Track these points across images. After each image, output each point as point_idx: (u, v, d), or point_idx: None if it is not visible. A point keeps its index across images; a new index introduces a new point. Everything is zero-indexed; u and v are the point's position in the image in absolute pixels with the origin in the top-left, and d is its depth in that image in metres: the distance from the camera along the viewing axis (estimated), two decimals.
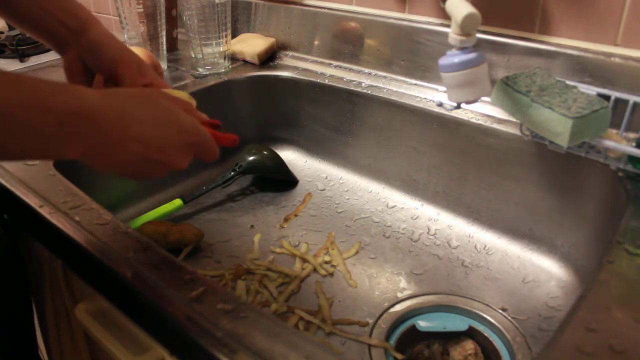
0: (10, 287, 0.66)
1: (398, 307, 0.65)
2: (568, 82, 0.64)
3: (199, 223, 0.80)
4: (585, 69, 0.67)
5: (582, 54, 0.67)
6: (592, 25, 0.67)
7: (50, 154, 0.43)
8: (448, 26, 0.65)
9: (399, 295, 0.67)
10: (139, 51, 0.79)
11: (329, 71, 0.91)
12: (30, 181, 0.60)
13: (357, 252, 0.74)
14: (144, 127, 0.46)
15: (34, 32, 0.59)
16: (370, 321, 0.63)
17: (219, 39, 0.93)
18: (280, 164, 0.89)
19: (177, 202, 0.80)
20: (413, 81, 0.83)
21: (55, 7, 0.58)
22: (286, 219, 0.81)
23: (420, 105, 0.78)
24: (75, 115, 0.41)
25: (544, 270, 0.70)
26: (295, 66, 0.95)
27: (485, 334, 0.62)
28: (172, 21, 1.05)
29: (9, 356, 0.67)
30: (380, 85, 0.84)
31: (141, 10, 0.92)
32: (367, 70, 0.89)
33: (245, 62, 0.99)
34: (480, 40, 0.72)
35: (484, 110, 0.74)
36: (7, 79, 0.38)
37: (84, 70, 0.60)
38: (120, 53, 0.59)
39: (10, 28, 1.28)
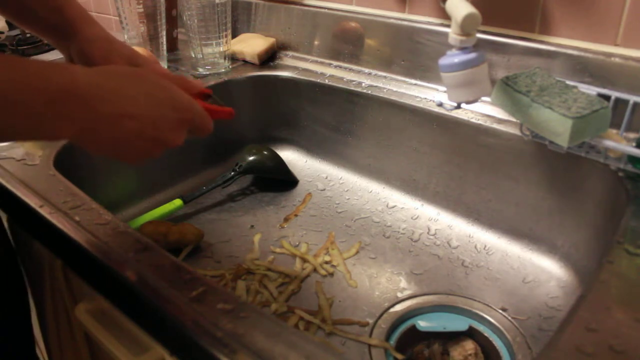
0: (8, 286, 0.66)
1: (398, 307, 0.65)
2: (568, 82, 0.64)
3: (199, 223, 0.80)
4: (585, 69, 0.67)
5: (582, 54, 0.67)
6: (592, 25, 0.67)
7: (42, 135, 0.42)
8: (448, 26, 0.65)
9: (399, 295, 0.67)
10: (139, 51, 0.79)
11: (329, 71, 0.91)
12: (30, 181, 0.60)
13: (357, 252, 0.74)
14: (137, 104, 0.45)
15: (32, 30, 0.59)
16: (371, 321, 0.63)
17: (219, 39, 0.93)
18: (280, 164, 0.89)
19: (177, 202, 0.80)
20: (413, 81, 0.83)
21: (40, 6, 0.57)
22: (286, 219, 0.81)
23: (421, 105, 0.78)
24: (66, 93, 0.40)
25: (544, 270, 0.70)
26: (295, 66, 0.95)
27: (485, 334, 0.62)
28: (172, 21, 1.05)
29: (7, 356, 0.67)
30: (380, 85, 0.84)
31: (141, 10, 0.92)
32: (367, 70, 0.89)
33: (245, 62, 0.99)
34: (480, 40, 0.72)
35: (484, 110, 0.74)
36: (2, 58, 0.38)
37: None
38: (109, 53, 0.58)
39: (11, 28, 1.28)
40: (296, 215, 0.82)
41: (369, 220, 0.81)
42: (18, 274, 0.67)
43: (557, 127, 0.58)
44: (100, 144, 0.45)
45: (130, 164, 0.49)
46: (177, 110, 0.48)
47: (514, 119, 0.68)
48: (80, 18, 0.58)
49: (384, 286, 0.68)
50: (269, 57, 0.98)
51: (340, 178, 0.91)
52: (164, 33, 0.97)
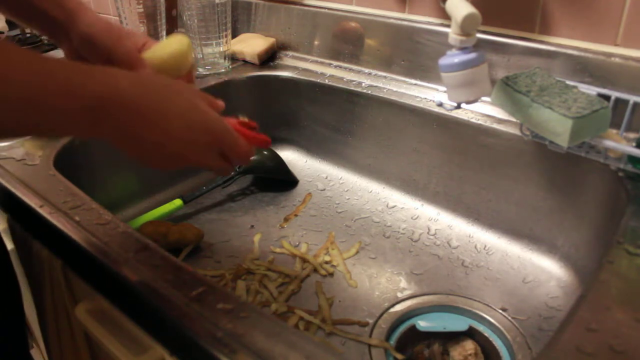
0: (1, 287, 0.66)
1: (398, 307, 0.65)
2: (568, 82, 0.64)
3: (199, 223, 0.80)
4: (585, 69, 0.67)
5: (582, 54, 0.67)
6: (592, 25, 0.67)
7: (70, 134, 0.45)
8: (448, 26, 0.65)
9: (399, 295, 0.67)
10: None
11: (329, 71, 0.91)
12: (30, 181, 0.60)
13: (357, 252, 0.74)
14: (172, 121, 0.46)
15: (27, 24, 0.59)
16: (370, 321, 0.63)
17: (219, 39, 0.93)
18: (280, 164, 0.89)
19: (177, 202, 0.80)
20: (413, 81, 0.83)
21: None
22: (286, 219, 0.81)
23: (421, 105, 0.78)
24: (104, 101, 0.41)
25: (544, 270, 0.70)
26: (295, 66, 0.95)
27: (485, 334, 0.62)
28: (172, 21, 1.05)
29: (2, 357, 0.66)
30: (380, 85, 0.84)
31: (141, 10, 0.92)
32: (367, 70, 0.89)
33: (245, 62, 0.99)
34: (480, 40, 0.72)
35: (484, 110, 0.74)
36: (38, 62, 0.38)
37: (82, 60, 0.59)
38: (115, 40, 0.58)
39: (11, 28, 1.28)
40: (296, 215, 0.82)
41: (369, 220, 0.81)
42: (11, 274, 0.67)
43: (557, 127, 0.58)
44: (127, 148, 0.46)
45: (153, 168, 0.50)
46: (209, 133, 0.49)
47: (514, 119, 0.68)
48: (78, 6, 0.58)
49: (384, 286, 0.68)
50: (269, 57, 0.98)
51: (340, 178, 0.91)
52: (164, 33, 0.97)
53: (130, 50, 0.58)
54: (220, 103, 0.55)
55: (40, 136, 0.52)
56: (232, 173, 0.86)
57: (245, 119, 0.57)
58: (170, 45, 0.59)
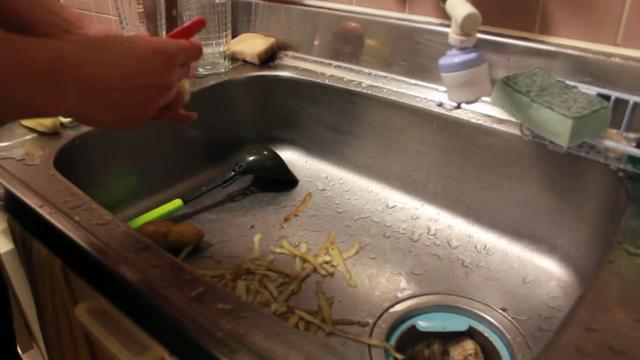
0: None
1: (398, 307, 0.65)
2: (568, 82, 0.64)
3: (199, 223, 0.80)
4: (585, 69, 0.67)
5: (582, 54, 0.67)
6: (592, 25, 0.67)
7: (40, 108, 0.43)
8: (448, 26, 0.65)
9: (399, 295, 0.67)
10: None
11: (329, 71, 0.91)
12: (30, 181, 0.60)
13: (357, 252, 0.74)
14: (123, 60, 0.46)
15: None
16: (370, 321, 0.63)
17: (219, 39, 0.93)
18: (280, 164, 0.89)
19: (177, 202, 0.80)
20: (413, 81, 0.83)
21: (39, 7, 0.58)
22: (286, 219, 0.81)
23: (420, 105, 0.78)
24: (56, 64, 0.41)
25: (544, 270, 0.70)
26: (295, 66, 0.95)
27: (485, 334, 0.62)
28: (172, 21, 1.05)
29: None
30: (380, 85, 0.84)
31: (141, 10, 0.92)
32: (367, 70, 0.89)
33: (245, 62, 0.99)
34: (480, 40, 0.72)
35: (484, 110, 0.74)
36: None
37: None
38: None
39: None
40: (296, 215, 0.82)
41: (369, 220, 0.81)
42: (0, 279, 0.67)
43: (557, 127, 0.58)
44: (101, 111, 0.46)
45: (137, 126, 0.49)
46: (157, 53, 0.48)
47: (514, 119, 0.68)
48: (60, 30, 0.59)
49: (384, 286, 0.68)
50: (269, 57, 0.98)
51: (340, 178, 0.91)
52: (164, 33, 0.97)
53: None
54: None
55: (15, 115, 0.51)
56: (232, 173, 0.86)
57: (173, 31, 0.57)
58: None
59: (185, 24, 0.55)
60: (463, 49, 0.61)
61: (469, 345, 0.61)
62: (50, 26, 0.59)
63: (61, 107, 0.43)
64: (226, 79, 0.93)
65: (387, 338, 0.61)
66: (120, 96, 0.46)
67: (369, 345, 0.59)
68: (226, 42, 0.95)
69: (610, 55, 0.65)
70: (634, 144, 0.60)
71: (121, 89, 0.46)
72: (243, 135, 0.97)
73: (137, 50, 0.47)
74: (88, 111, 0.45)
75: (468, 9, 0.59)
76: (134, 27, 0.93)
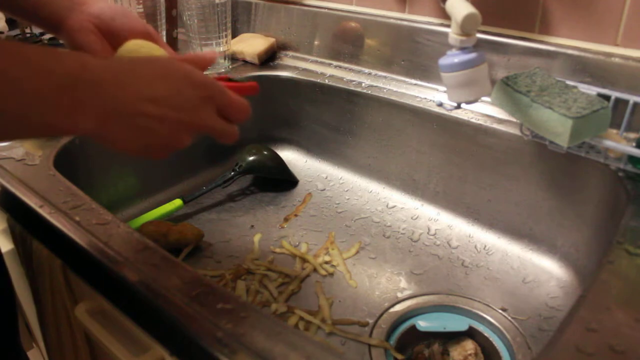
0: None
1: (398, 307, 0.65)
2: (568, 82, 0.64)
3: (199, 223, 0.80)
4: (585, 69, 0.67)
5: (582, 54, 0.67)
6: (592, 25, 0.67)
7: (58, 126, 0.40)
8: (448, 26, 0.65)
9: (399, 295, 0.67)
10: None
11: (329, 71, 0.91)
12: (30, 181, 0.60)
13: (357, 252, 0.74)
14: (154, 85, 0.43)
15: (26, 21, 0.58)
16: (370, 321, 0.63)
17: (219, 39, 0.93)
18: (280, 164, 0.89)
19: (177, 202, 0.80)
20: (413, 81, 0.83)
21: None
22: (286, 219, 0.81)
23: (421, 105, 0.78)
24: (77, 78, 0.39)
25: (544, 270, 0.70)
26: (295, 66, 0.95)
27: (485, 334, 0.62)
28: (172, 21, 1.05)
29: None
30: (380, 85, 0.84)
31: (141, 10, 0.92)
32: (367, 70, 0.89)
33: (245, 62, 0.99)
34: (480, 40, 0.72)
35: (484, 110, 0.74)
36: (12, 48, 0.37)
37: (97, 31, 0.56)
38: (101, 41, 0.56)
39: (11, 28, 1.28)
40: (296, 215, 0.82)
41: (369, 220, 0.81)
42: (5, 277, 0.67)
43: (557, 127, 0.58)
44: (123, 135, 0.43)
45: (160, 158, 0.46)
46: (196, 87, 0.45)
47: (514, 119, 0.68)
48: (64, 7, 0.56)
49: (384, 286, 0.68)
50: (269, 57, 0.98)
51: (340, 178, 0.91)
52: (164, 33, 0.97)
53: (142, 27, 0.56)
54: (211, 55, 0.51)
55: (33, 132, 0.48)
56: (232, 173, 0.86)
57: (223, 75, 0.54)
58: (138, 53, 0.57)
59: (239, 83, 0.52)
60: (463, 49, 0.61)
61: (469, 345, 0.61)
62: (53, 4, 0.56)
63: (79, 126, 0.40)
64: None
65: (387, 338, 0.61)
66: (146, 123, 0.42)
67: (369, 345, 0.59)
68: (226, 42, 0.95)
69: (610, 55, 0.65)
70: (634, 144, 0.60)
71: (148, 116, 0.42)
72: (243, 135, 0.96)
73: (174, 77, 0.44)
74: (109, 134, 0.42)
75: (468, 9, 0.59)
76: None
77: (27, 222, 0.61)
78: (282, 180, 0.90)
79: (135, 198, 0.84)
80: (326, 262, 0.72)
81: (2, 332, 0.67)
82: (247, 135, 0.97)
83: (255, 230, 0.79)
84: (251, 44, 0.98)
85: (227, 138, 0.50)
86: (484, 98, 0.65)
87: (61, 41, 0.59)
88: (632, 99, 0.63)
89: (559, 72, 0.69)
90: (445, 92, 0.65)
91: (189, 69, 0.46)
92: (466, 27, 0.59)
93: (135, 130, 0.43)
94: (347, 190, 0.88)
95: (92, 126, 0.40)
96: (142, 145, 0.44)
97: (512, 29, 0.74)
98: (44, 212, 0.55)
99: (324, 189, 0.89)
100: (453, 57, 0.61)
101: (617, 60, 0.65)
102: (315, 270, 0.71)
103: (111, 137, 0.43)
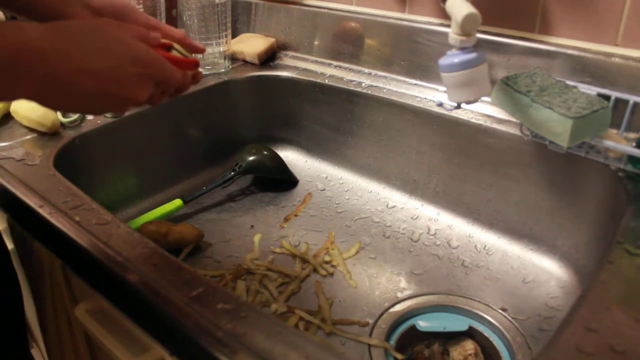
0: (2, 288, 0.66)
1: (398, 307, 0.65)
2: (568, 82, 0.64)
3: (199, 223, 0.80)
4: (585, 69, 0.67)
5: (582, 54, 0.67)
6: (592, 25, 0.67)
7: (3, 95, 0.42)
8: (448, 26, 0.65)
9: (399, 295, 0.67)
10: None
11: (329, 71, 0.91)
12: (30, 181, 0.60)
13: (357, 252, 0.74)
14: (96, 59, 0.44)
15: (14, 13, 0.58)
16: (370, 321, 0.63)
17: (219, 39, 0.93)
18: (280, 164, 0.89)
19: (177, 202, 0.80)
20: (413, 81, 0.83)
21: None
22: (286, 219, 0.81)
23: (421, 105, 0.78)
24: (21, 52, 0.39)
25: (544, 270, 0.70)
26: (295, 66, 0.95)
27: (485, 334, 0.62)
28: (172, 21, 1.05)
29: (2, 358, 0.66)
30: (380, 85, 0.84)
31: (141, 10, 0.92)
32: (367, 70, 0.89)
33: (245, 62, 0.99)
34: (480, 40, 0.72)
35: (484, 110, 0.74)
36: None
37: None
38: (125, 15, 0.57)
39: None
40: (296, 215, 0.82)
41: (369, 220, 0.81)
42: (12, 274, 0.67)
43: (557, 127, 0.58)
44: (60, 101, 0.45)
45: (95, 115, 0.48)
46: (137, 63, 0.46)
47: (514, 119, 0.68)
48: (62, 3, 0.56)
49: (384, 286, 0.68)
50: (269, 57, 0.98)
51: (340, 178, 0.91)
52: None
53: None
54: (155, 34, 0.52)
55: None
56: (232, 173, 0.86)
57: (173, 43, 0.55)
58: None
59: (181, 57, 0.53)
60: (463, 49, 0.61)
61: (469, 345, 0.61)
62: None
63: (17, 95, 0.42)
64: (226, 79, 0.93)
65: (387, 338, 0.61)
66: (84, 94, 0.44)
67: (369, 345, 0.59)
68: (226, 42, 0.95)
69: (610, 55, 0.65)
70: (634, 144, 0.60)
71: (86, 88, 0.44)
72: (243, 135, 0.97)
73: (116, 51, 0.45)
74: (47, 100, 0.44)
75: (468, 9, 0.59)
76: None
77: (27, 222, 0.61)
78: (282, 180, 0.90)
79: (135, 198, 0.84)
80: (326, 262, 0.72)
81: (11, 334, 0.67)
82: (247, 135, 0.97)
83: (255, 230, 0.79)
84: (251, 44, 0.98)
85: (153, 103, 0.52)
86: (484, 98, 0.65)
87: None
88: (632, 99, 0.63)
89: (559, 72, 0.69)
90: (445, 92, 0.65)
91: (132, 45, 0.47)
92: (466, 27, 0.59)
93: (73, 98, 0.44)
94: (347, 190, 0.88)
95: (31, 93, 0.42)
96: (77, 109, 0.48)
97: (512, 29, 0.74)
98: (44, 212, 0.55)
99: (324, 189, 0.89)
100: (453, 57, 0.61)
101: (617, 60, 0.65)
102: (315, 270, 0.71)
103: (49, 102, 0.44)
